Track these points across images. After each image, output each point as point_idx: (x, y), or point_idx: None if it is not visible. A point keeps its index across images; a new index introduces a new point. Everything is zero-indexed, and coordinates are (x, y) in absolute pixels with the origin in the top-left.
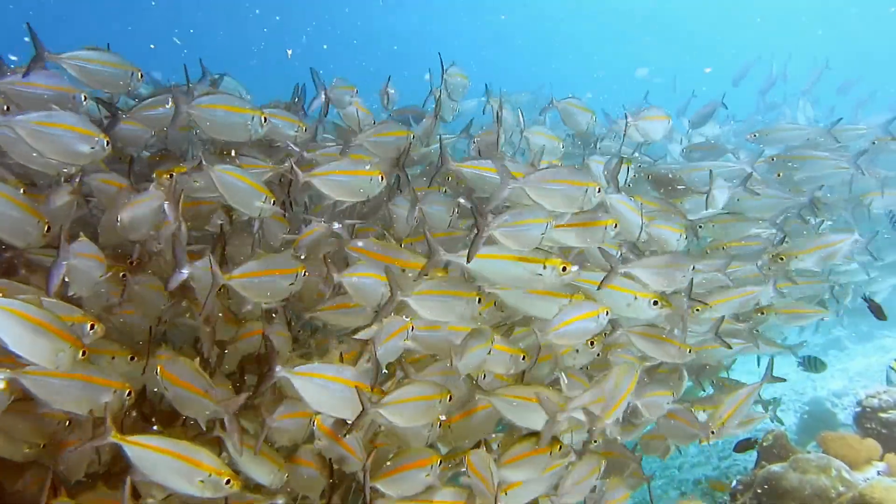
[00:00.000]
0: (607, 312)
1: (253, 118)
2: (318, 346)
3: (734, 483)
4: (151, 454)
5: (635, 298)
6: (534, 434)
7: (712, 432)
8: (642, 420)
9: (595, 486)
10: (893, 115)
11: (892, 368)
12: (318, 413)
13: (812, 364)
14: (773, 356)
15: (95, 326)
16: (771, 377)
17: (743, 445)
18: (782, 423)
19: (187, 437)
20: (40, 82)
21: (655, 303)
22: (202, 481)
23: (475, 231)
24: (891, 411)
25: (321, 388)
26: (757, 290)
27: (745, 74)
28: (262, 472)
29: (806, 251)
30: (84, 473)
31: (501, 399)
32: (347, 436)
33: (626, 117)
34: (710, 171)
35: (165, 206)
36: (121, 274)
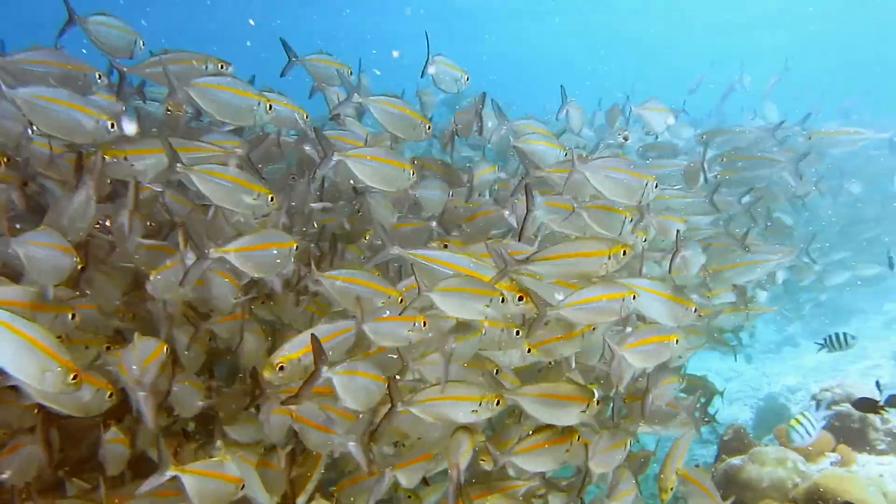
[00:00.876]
0: (634, 297)
1: (259, 104)
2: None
3: None
4: (204, 480)
5: (687, 309)
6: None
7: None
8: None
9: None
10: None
11: (793, 427)
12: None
13: (837, 342)
14: (706, 399)
15: (76, 316)
16: (703, 419)
17: None
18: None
19: None
20: (49, 59)
21: (695, 310)
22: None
23: (526, 214)
24: (843, 404)
25: (364, 388)
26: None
27: (701, 82)
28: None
29: (731, 266)
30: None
31: (527, 398)
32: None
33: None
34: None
35: (88, 187)
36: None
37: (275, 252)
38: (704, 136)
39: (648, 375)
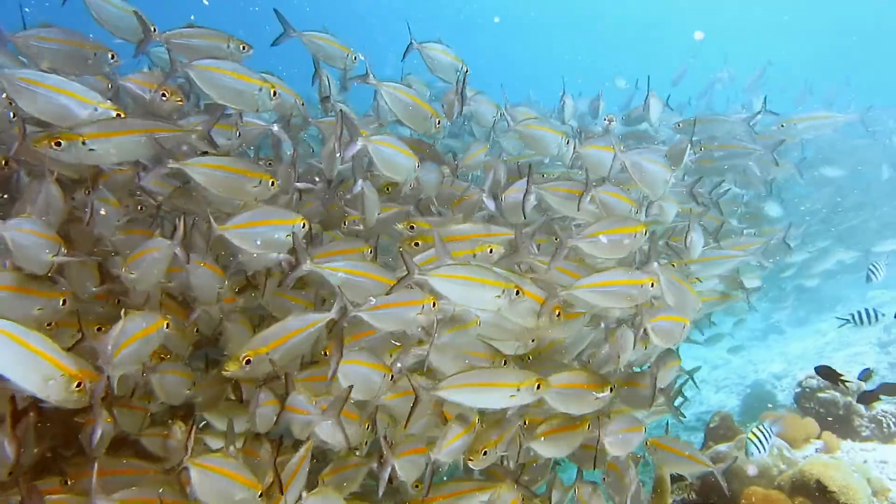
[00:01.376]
0: (653, 284)
1: (261, 89)
2: None
3: None
4: (212, 474)
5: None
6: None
7: None
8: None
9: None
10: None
11: (750, 440)
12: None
13: (867, 317)
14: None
15: (66, 301)
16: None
17: None
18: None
19: None
20: (61, 38)
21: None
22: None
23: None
24: (828, 391)
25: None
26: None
27: (684, 75)
28: None
29: (700, 260)
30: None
31: (553, 391)
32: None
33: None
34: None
35: (48, 178)
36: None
37: (281, 229)
38: (681, 125)
39: (655, 357)
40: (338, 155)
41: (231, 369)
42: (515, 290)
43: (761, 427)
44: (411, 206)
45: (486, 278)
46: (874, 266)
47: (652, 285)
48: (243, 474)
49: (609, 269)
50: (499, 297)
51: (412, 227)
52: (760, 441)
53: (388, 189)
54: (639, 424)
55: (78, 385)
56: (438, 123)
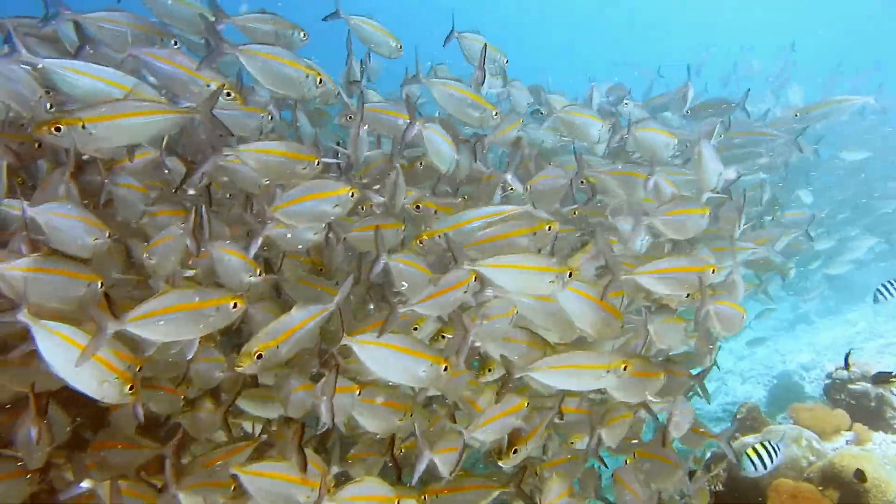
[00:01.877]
0: (713, 271)
1: (308, 76)
2: None
3: (708, 455)
4: (265, 481)
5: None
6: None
7: None
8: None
9: None
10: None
11: (748, 455)
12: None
13: None
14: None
15: (103, 283)
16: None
17: None
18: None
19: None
20: (126, 21)
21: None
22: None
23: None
24: (859, 382)
25: (386, 357)
26: None
27: (703, 64)
28: None
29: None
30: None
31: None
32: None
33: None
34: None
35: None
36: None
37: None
38: (691, 111)
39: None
40: (360, 133)
41: (243, 365)
42: (569, 273)
43: (766, 444)
44: (429, 189)
45: (537, 264)
46: (888, 286)
47: (713, 272)
48: (301, 476)
49: (667, 255)
50: (553, 282)
51: (418, 207)
52: (761, 457)
53: None
54: (689, 407)
55: (131, 388)
56: (496, 114)
